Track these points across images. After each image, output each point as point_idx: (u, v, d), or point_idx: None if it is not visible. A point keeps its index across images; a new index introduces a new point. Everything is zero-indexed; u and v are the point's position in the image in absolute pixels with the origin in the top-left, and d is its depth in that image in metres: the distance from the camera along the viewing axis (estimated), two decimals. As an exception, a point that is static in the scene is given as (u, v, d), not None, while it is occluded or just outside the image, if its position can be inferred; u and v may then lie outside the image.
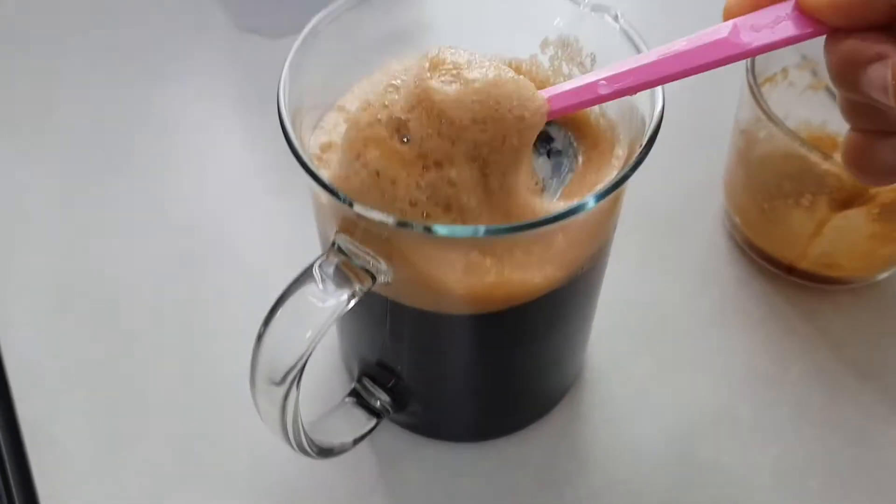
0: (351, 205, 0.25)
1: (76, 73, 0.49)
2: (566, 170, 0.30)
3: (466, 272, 0.27)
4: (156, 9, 0.52)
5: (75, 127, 0.47)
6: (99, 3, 0.52)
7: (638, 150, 0.25)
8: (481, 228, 0.24)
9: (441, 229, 0.24)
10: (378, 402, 0.33)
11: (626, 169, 0.25)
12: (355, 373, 0.34)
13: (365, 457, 0.35)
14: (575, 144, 0.31)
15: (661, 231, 0.42)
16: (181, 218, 0.43)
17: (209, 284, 0.41)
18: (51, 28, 0.51)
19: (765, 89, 0.37)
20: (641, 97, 0.28)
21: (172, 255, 0.42)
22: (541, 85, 0.32)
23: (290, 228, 0.42)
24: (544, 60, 0.32)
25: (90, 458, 0.36)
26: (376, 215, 0.25)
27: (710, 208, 0.42)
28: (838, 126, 0.41)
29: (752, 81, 0.36)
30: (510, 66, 0.33)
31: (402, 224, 0.24)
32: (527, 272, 0.27)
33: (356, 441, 0.32)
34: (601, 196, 0.25)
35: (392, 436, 0.36)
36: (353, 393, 0.34)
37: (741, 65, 0.37)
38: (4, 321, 0.39)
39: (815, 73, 0.41)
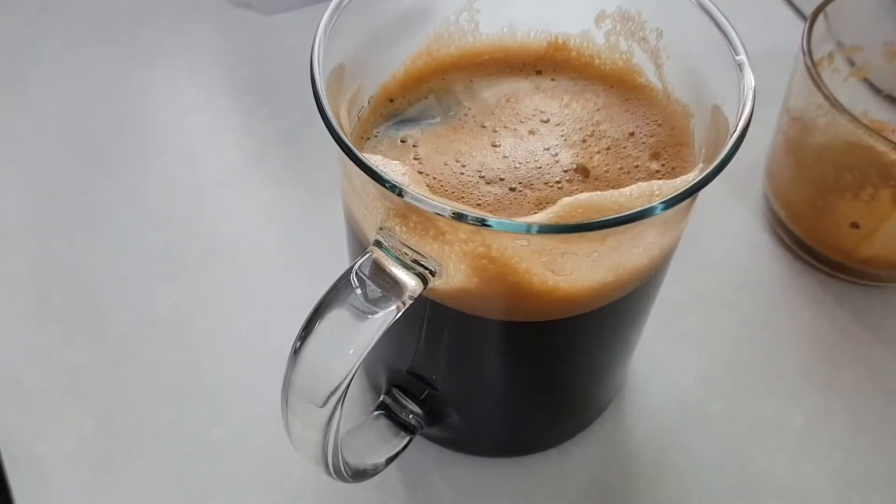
0: (401, 194, 0.21)
1: (53, 51, 0.44)
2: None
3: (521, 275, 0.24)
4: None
5: (52, 109, 0.42)
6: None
7: (726, 148, 0.22)
8: (535, 226, 0.21)
9: (495, 222, 0.21)
10: (410, 416, 0.30)
11: (710, 170, 0.22)
12: (383, 385, 0.31)
13: (390, 475, 0.32)
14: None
15: (698, 226, 0.39)
16: (170, 211, 0.39)
17: (204, 284, 0.37)
18: (25, 2, 0.46)
19: (816, 74, 0.35)
20: (719, 81, 0.25)
21: (161, 252, 0.38)
22: (589, 60, 0.30)
23: (291, 221, 0.39)
24: (598, 35, 0.29)
25: (80, 481, 0.32)
26: (431, 205, 0.21)
27: (749, 201, 0.40)
28: (880, 115, 0.39)
29: (809, 65, 0.33)
30: (556, 40, 0.30)
31: (458, 216, 0.21)
32: (588, 279, 0.24)
33: (389, 460, 0.29)
34: (673, 202, 0.22)
35: (419, 451, 0.32)
36: (382, 406, 0.30)
37: (787, 44, 0.35)
38: (-23, 326, 0.35)
39: (851, 61, 0.39)
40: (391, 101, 0.29)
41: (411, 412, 0.30)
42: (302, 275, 0.37)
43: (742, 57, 0.24)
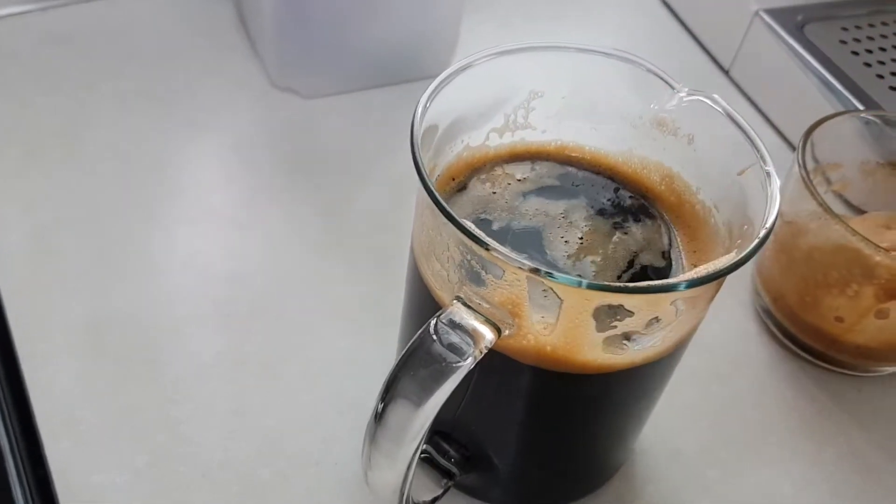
0: (487, 247, 0.25)
1: (108, 116, 0.48)
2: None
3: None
4: (193, 60, 0.52)
5: (108, 169, 0.45)
6: (135, 50, 0.52)
7: (760, 234, 0.27)
8: (584, 281, 0.25)
9: (558, 275, 0.25)
10: (451, 460, 0.33)
11: (745, 253, 0.27)
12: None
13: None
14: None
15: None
16: (217, 267, 0.42)
17: (251, 336, 0.40)
18: (84, 69, 0.50)
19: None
20: (737, 182, 0.30)
21: (210, 305, 0.41)
22: (622, 163, 0.34)
23: (330, 282, 0.42)
24: (632, 138, 0.34)
25: (133, 512, 0.34)
26: (512, 259, 0.25)
27: (739, 294, 0.44)
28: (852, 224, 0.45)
29: (805, 175, 0.38)
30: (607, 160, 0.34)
31: (534, 270, 0.25)
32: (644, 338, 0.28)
33: (434, 500, 0.32)
34: (702, 281, 0.26)
35: (451, 498, 0.35)
36: (423, 451, 0.33)
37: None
38: (32, 362, 0.38)
39: (828, 179, 0.44)
40: (453, 179, 0.33)
41: (452, 458, 0.33)
42: (341, 330, 0.40)
43: (770, 167, 0.29)
